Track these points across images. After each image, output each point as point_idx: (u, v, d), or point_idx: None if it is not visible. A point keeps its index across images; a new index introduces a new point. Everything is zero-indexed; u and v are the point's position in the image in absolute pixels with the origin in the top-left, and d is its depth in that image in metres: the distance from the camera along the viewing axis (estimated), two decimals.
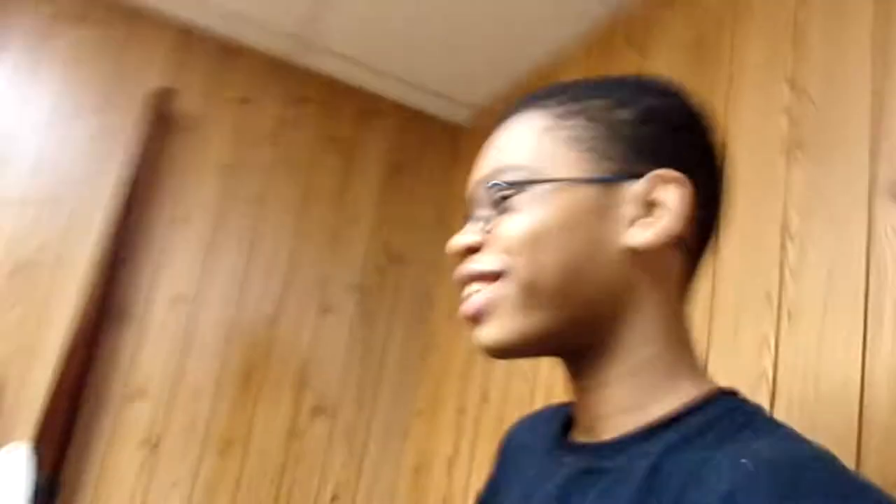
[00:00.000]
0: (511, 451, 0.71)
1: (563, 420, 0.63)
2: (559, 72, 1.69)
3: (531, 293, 0.53)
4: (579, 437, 0.58)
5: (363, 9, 1.68)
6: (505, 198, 0.55)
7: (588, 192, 0.53)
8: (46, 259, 1.64)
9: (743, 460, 0.42)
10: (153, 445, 1.66)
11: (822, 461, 0.43)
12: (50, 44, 1.72)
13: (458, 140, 2.13)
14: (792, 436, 0.47)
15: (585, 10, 1.53)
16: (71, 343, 1.57)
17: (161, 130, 1.76)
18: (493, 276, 0.54)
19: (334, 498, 1.81)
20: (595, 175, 0.53)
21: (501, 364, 1.63)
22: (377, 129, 2.05)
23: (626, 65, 1.44)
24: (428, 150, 2.10)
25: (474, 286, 0.56)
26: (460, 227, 0.60)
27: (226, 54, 1.89)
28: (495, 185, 0.55)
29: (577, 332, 0.54)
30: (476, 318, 0.56)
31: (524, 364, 1.53)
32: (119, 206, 1.67)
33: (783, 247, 0.96)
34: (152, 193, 1.75)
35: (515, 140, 0.57)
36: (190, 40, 1.86)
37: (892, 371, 0.78)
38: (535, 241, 0.52)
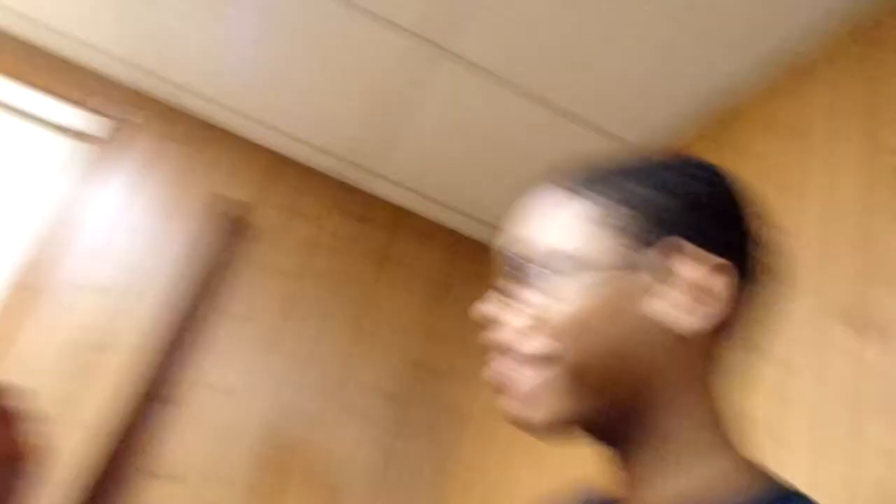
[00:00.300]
0: None
1: None
2: None
3: (579, 378, 0.54)
4: None
5: (422, 144, 1.90)
6: (545, 280, 0.56)
7: (632, 279, 0.54)
8: (108, 339, 1.82)
9: None
10: None
11: None
12: (158, 159, 2.02)
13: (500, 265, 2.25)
14: None
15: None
16: (116, 420, 1.70)
17: (234, 237, 1.98)
18: (540, 360, 0.55)
19: None
20: (639, 262, 0.54)
21: (524, 482, 1.64)
22: (428, 250, 2.21)
23: None
24: (473, 274, 2.23)
25: (512, 365, 0.57)
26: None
27: (299, 175, 2.14)
28: (537, 266, 0.57)
29: (620, 414, 0.54)
30: (514, 394, 0.56)
31: (546, 478, 1.54)
32: (184, 299, 1.86)
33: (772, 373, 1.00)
34: (215, 291, 1.94)
35: (557, 221, 0.58)
36: (270, 160, 2.12)
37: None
38: (582, 328, 0.53)
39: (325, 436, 1.92)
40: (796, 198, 1.13)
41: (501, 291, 0.59)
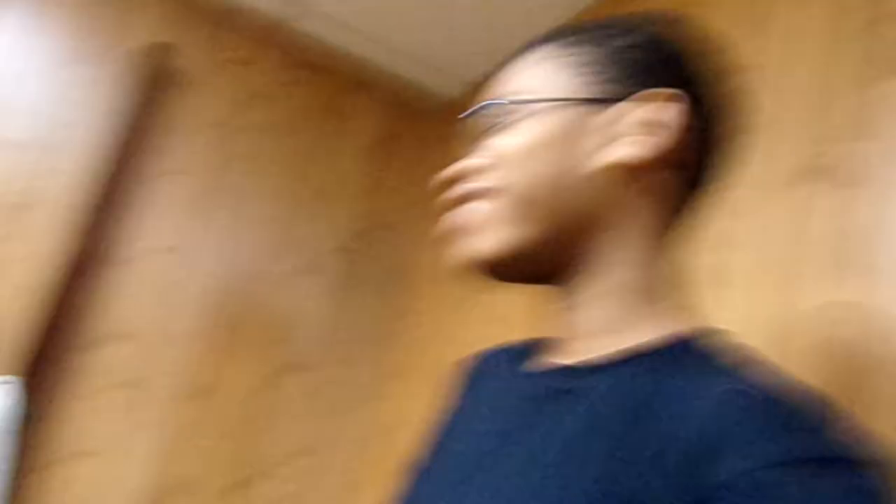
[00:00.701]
0: (478, 378, 0.71)
1: (533, 351, 0.64)
2: None
3: (523, 204, 0.54)
4: (554, 359, 0.58)
5: None
6: (501, 119, 0.56)
7: (582, 111, 0.54)
8: (39, 199, 1.68)
9: (727, 393, 0.43)
10: (132, 387, 1.72)
11: (807, 399, 0.44)
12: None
13: (450, 114, 2.17)
14: (776, 374, 0.47)
15: None
16: (58, 283, 1.62)
17: (158, 84, 1.80)
18: (488, 193, 0.56)
19: (303, 451, 1.87)
20: (589, 94, 0.55)
21: (474, 331, 1.68)
22: (370, 97, 2.09)
23: None
24: (419, 121, 2.14)
25: (466, 205, 0.57)
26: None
27: (224, 16, 1.92)
28: (491, 104, 0.57)
29: (563, 246, 0.55)
30: (465, 231, 0.57)
31: (497, 330, 1.59)
32: (112, 153, 1.71)
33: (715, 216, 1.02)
34: (146, 145, 1.79)
35: (516, 69, 0.60)
36: (191, 1, 1.89)
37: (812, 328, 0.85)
38: (527, 155, 0.54)
39: (273, 290, 1.90)
40: (759, 36, 1.09)
41: (468, 152, 0.59)
